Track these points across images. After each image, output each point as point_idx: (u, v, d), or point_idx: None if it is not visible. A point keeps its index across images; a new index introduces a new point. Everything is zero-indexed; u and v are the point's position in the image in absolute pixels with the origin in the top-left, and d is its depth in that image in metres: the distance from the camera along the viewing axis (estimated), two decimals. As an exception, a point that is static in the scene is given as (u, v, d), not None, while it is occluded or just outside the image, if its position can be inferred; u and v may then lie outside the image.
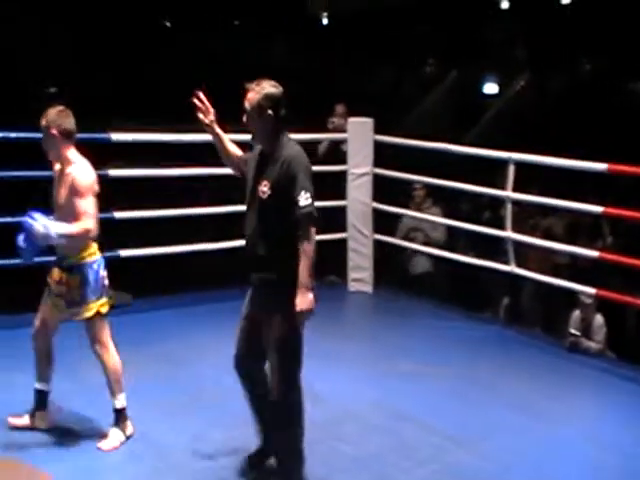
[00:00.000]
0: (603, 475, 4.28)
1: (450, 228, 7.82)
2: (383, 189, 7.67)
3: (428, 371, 5.52)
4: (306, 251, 3.57)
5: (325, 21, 12.53)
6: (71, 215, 4.07)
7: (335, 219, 7.61)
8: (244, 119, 3.74)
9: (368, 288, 7.59)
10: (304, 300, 3.57)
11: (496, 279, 7.55)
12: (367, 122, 7.56)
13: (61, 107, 4.21)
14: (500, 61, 10.64)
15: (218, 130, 4.02)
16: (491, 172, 7.22)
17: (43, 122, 4.15)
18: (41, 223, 3.96)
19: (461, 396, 5.16)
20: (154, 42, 10.58)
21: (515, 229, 6.62)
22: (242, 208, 3.86)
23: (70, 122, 4.18)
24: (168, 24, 12.28)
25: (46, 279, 4.31)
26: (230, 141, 4.07)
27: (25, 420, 4.43)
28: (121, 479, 4.07)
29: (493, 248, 7.19)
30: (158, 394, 4.95)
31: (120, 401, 4.31)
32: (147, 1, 11.29)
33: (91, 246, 4.22)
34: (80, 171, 4.13)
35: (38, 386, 4.40)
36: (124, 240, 6.64)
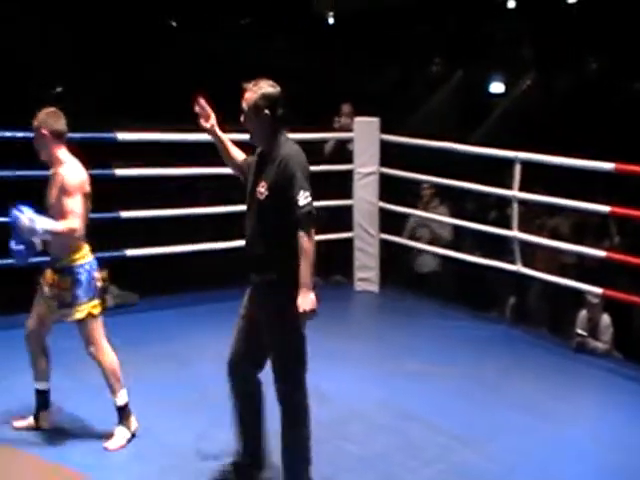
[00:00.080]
0: (609, 475, 4.26)
1: (457, 227, 7.80)
2: (390, 188, 7.66)
3: (434, 371, 5.50)
4: (306, 251, 3.54)
5: (331, 20, 12.52)
6: (60, 214, 4.10)
7: (341, 218, 7.61)
8: (242, 119, 3.72)
9: (374, 287, 7.58)
10: (306, 300, 3.53)
11: (502, 279, 7.53)
12: (373, 121, 7.55)
13: (52, 108, 4.26)
14: (506, 60, 10.61)
15: (220, 134, 4.01)
16: (498, 172, 7.20)
17: (34, 123, 4.21)
18: (27, 216, 4.00)
19: (467, 396, 5.15)
20: (155, 42, 10.58)
21: (522, 229, 6.61)
22: (243, 208, 3.85)
23: (61, 123, 4.22)
24: (174, 23, 12.28)
25: (39, 280, 4.33)
26: (233, 144, 4.06)
27: (29, 421, 4.43)
28: (126, 478, 4.07)
29: (499, 248, 7.18)
30: (162, 393, 4.95)
31: (121, 398, 4.32)
32: (149, 1, 11.30)
33: (82, 248, 4.25)
34: (69, 171, 4.17)
35: (38, 386, 4.41)
36: (127, 240, 6.66)
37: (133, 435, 4.36)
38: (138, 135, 6.73)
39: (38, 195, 4.29)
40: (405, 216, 8.06)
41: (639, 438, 4.68)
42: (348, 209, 7.62)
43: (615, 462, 4.37)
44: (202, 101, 3.95)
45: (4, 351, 5.28)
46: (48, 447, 4.27)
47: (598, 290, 6.09)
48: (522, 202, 6.67)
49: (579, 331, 6.22)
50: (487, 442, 4.53)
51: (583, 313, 6.37)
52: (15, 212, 4.03)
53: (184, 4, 11.73)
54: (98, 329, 4.29)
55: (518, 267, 6.62)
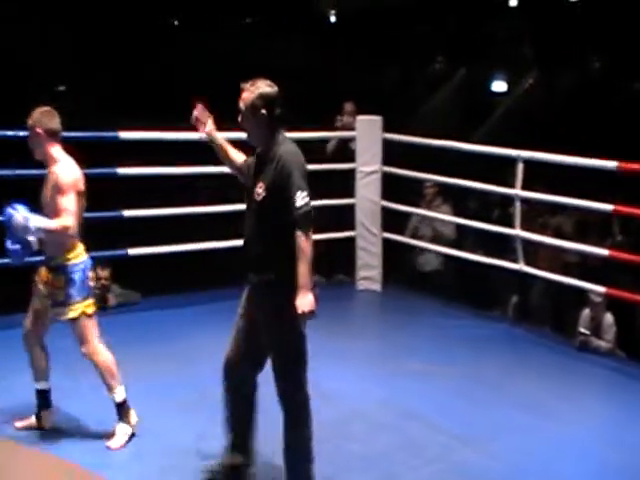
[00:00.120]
0: (612, 474, 4.24)
1: (459, 226, 7.79)
2: (392, 187, 7.65)
3: (436, 370, 5.49)
4: (304, 251, 3.52)
5: (333, 19, 12.51)
6: (54, 212, 4.11)
7: (344, 217, 7.61)
8: (239, 119, 3.71)
9: (377, 286, 7.57)
10: (305, 301, 3.51)
11: (505, 278, 7.52)
12: (376, 120, 7.54)
13: (47, 107, 4.28)
14: (509, 59, 10.60)
15: (218, 138, 4.00)
16: (500, 170, 7.19)
17: (29, 122, 4.23)
18: (21, 214, 4.01)
19: (469, 395, 5.13)
20: (156, 41, 10.57)
21: (524, 227, 6.60)
22: (243, 207, 3.83)
23: (54, 122, 4.23)
24: (175, 22, 12.28)
25: (34, 279, 4.34)
26: (232, 145, 4.05)
27: (31, 421, 4.43)
28: (127, 477, 4.06)
29: (502, 246, 7.16)
30: (163, 393, 4.95)
31: (119, 394, 4.31)
32: (150, 0, 11.31)
33: (77, 247, 4.25)
34: (63, 169, 4.17)
35: (38, 386, 4.41)
36: (129, 239, 6.65)
37: (133, 434, 4.35)
38: (140, 134, 6.72)
39: (33, 194, 4.29)
40: (407, 215, 8.05)
41: (642, 437, 4.67)
42: (350, 208, 7.61)
43: (618, 461, 4.35)
44: (200, 106, 3.95)
45: (3, 351, 5.27)
46: (47, 447, 4.26)
47: (601, 289, 6.08)
48: (525, 201, 6.66)
49: (582, 330, 6.21)
50: (489, 441, 4.52)
51: (586, 312, 6.35)
52: (9, 210, 4.04)
53: (186, 3, 11.74)
54: (91, 328, 4.28)
55: (521, 266, 6.61)
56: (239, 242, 3.85)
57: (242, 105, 3.67)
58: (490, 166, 7.38)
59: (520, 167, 6.43)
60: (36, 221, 4.04)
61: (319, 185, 7.60)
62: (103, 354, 4.30)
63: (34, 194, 4.29)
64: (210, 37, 10.95)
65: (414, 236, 8.02)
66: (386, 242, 7.62)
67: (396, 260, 7.93)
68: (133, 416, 4.37)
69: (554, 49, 10.18)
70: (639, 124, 9.97)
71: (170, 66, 10.37)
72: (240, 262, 3.80)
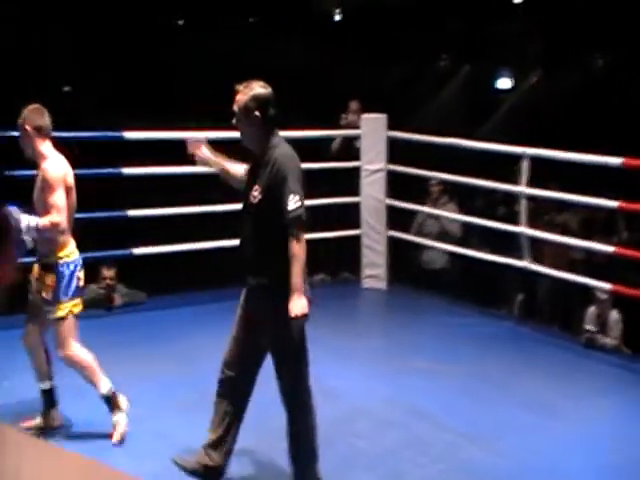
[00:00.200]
0: (618, 472, 4.23)
1: (465, 224, 7.78)
2: (397, 185, 7.64)
3: (441, 368, 5.49)
4: (296, 255, 3.51)
5: (337, 17, 12.50)
6: (43, 209, 4.13)
7: (349, 216, 7.61)
8: (233, 121, 3.70)
9: (382, 285, 7.56)
10: (297, 305, 3.49)
11: (511, 275, 7.51)
12: (380, 118, 7.53)
13: (37, 105, 4.29)
14: (514, 56, 10.59)
15: (215, 161, 3.99)
16: (506, 167, 7.18)
17: (19, 120, 4.25)
18: (14, 216, 4.02)
19: (475, 393, 5.13)
20: (156, 41, 10.58)
21: (530, 225, 6.58)
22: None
23: (44, 119, 4.25)
24: (180, 22, 12.28)
25: (29, 277, 4.35)
26: (230, 162, 4.02)
27: (37, 421, 4.43)
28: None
29: (508, 244, 7.15)
30: (167, 392, 4.95)
31: (104, 387, 4.30)
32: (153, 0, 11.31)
33: (68, 245, 4.26)
34: (51, 165, 4.19)
35: (42, 386, 4.41)
36: (135, 238, 6.66)
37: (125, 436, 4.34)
38: (144, 134, 6.73)
39: (27, 194, 4.30)
40: (412, 213, 8.04)
41: (649, 434, 4.66)
42: (355, 206, 7.61)
43: (625, 458, 4.34)
44: (190, 141, 3.96)
45: (5, 351, 5.26)
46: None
47: (607, 286, 6.06)
48: (530, 198, 6.65)
49: (588, 327, 6.20)
50: (495, 439, 4.51)
51: (592, 309, 6.34)
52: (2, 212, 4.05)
53: (188, 3, 11.74)
54: (73, 330, 4.28)
55: (526, 263, 6.60)
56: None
57: (236, 107, 3.66)
58: (496, 163, 7.37)
59: (526, 164, 6.41)
60: (26, 220, 4.06)
61: (324, 184, 7.68)
62: (81, 355, 4.29)
63: (25, 193, 4.30)
64: (211, 37, 10.96)
65: (420, 233, 8.00)
66: (391, 240, 7.62)
67: (401, 258, 7.92)
68: (123, 402, 4.35)
69: (559, 46, 10.16)
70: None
71: (172, 65, 10.39)
72: (238, 264, 3.80)
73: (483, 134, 8.28)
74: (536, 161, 6.42)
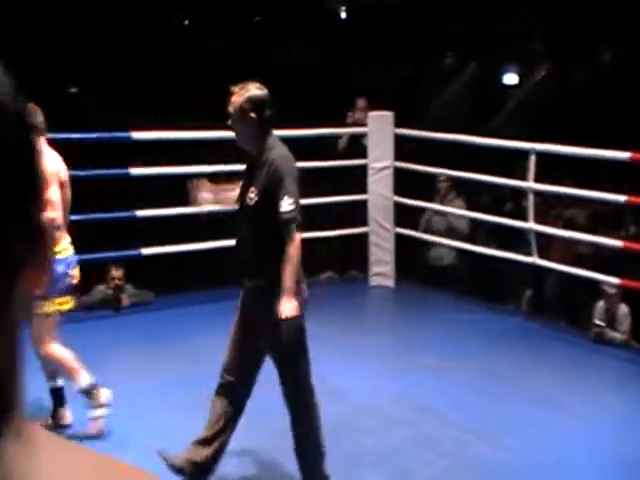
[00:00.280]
0: (626, 468, 4.23)
1: (472, 220, 7.77)
2: (404, 182, 7.64)
3: (449, 365, 5.49)
4: (290, 256, 3.51)
5: (343, 15, 12.49)
6: None
7: (356, 213, 7.61)
8: (229, 122, 3.70)
9: (390, 282, 7.56)
10: (287, 307, 3.49)
11: (518, 271, 7.49)
12: (387, 115, 7.53)
13: (29, 103, 4.28)
14: (520, 51, 10.55)
15: (219, 198, 4.01)
16: (513, 163, 7.16)
17: None
18: None
19: (482, 390, 5.13)
20: (159, 42, 10.59)
21: (537, 220, 6.57)
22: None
23: (37, 118, 4.24)
24: (185, 22, 12.30)
25: None
26: (233, 185, 4.00)
27: (47, 420, 4.45)
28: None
29: (515, 240, 7.14)
30: (175, 391, 4.96)
31: (83, 381, 4.29)
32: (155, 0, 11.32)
33: (61, 242, 4.27)
34: (44, 161, 4.17)
35: (51, 385, 4.42)
36: (143, 238, 6.68)
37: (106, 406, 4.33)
38: (152, 134, 6.75)
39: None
40: (420, 210, 8.03)
41: (657, 429, 4.65)
42: (363, 204, 7.61)
43: (632, 453, 4.33)
44: (190, 185, 3.95)
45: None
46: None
47: (615, 280, 6.05)
48: (537, 193, 6.63)
49: (597, 322, 6.18)
50: (503, 435, 4.52)
51: (600, 304, 6.32)
52: None
53: (191, 3, 11.76)
54: (54, 327, 4.29)
55: (534, 259, 6.59)
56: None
57: (231, 109, 3.66)
58: (503, 159, 7.36)
59: (533, 160, 6.40)
60: None
61: (331, 182, 7.68)
62: (59, 351, 4.29)
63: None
64: (215, 36, 10.98)
65: (428, 230, 7.99)
66: (399, 237, 7.61)
67: (409, 255, 7.92)
68: (103, 394, 4.33)
69: (566, 40, 10.13)
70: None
71: (176, 66, 10.41)
72: (235, 265, 3.81)
73: (489, 130, 8.26)
74: (544, 156, 6.40)
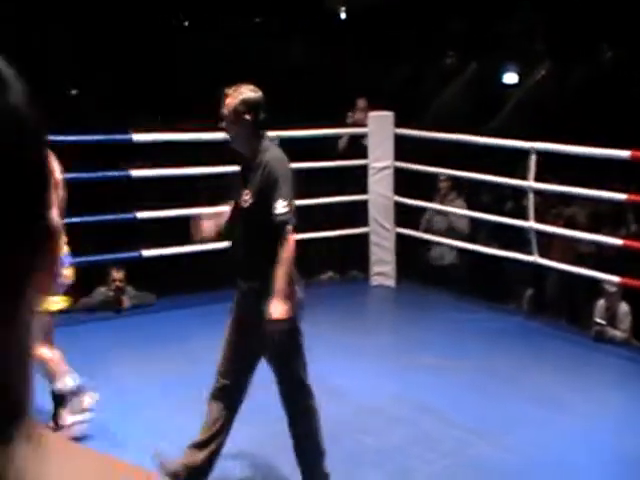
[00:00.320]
0: (627, 467, 4.23)
1: (473, 219, 7.78)
2: (404, 182, 7.64)
3: (449, 364, 5.49)
4: (282, 258, 3.51)
5: (343, 15, 12.50)
6: None
7: (357, 213, 7.61)
8: (223, 125, 3.69)
9: (391, 282, 7.56)
10: (277, 309, 3.49)
11: (519, 270, 7.49)
12: (387, 116, 7.53)
13: None
14: (520, 50, 10.57)
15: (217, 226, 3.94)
16: (513, 163, 7.16)
17: None
18: None
19: (483, 389, 5.13)
20: (159, 42, 10.61)
21: (538, 219, 6.57)
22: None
23: None
24: (185, 23, 12.31)
25: None
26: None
27: (48, 423, 4.45)
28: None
29: (516, 239, 7.14)
30: (175, 392, 4.96)
31: (68, 383, 4.29)
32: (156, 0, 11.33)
33: None
34: None
35: (52, 387, 4.41)
36: (145, 241, 6.69)
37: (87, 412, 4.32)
38: (153, 136, 6.75)
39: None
40: (420, 209, 8.04)
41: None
42: (363, 204, 7.61)
43: (634, 452, 4.33)
44: (193, 222, 3.94)
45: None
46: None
47: (616, 279, 6.05)
48: (538, 192, 6.64)
49: (598, 320, 6.19)
50: (503, 435, 4.51)
51: (601, 302, 6.33)
52: None
53: (191, 3, 11.77)
54: (44, 327, 4.28)
55: (535, 258, 6.59)
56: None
57: (225, 111, 3.64)
58: (503, 159, 7.36)
59: (533, 159, 6.40)
60: None
61: (332, 182, 7.68)
62: (45, 351, 4.27)
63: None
64: (214, 37, 10.99)
65: (428, 230, 8.00)
66: (399, 237, 7.62)
67: (409, 255, 7.92)
68: (88, 399, 4.32)
69: (566, 40, 10.13)
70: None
71: (176, 66, 10.43)
72: (229, 267, 3.81)
73: (490, 130, 8.27)
74: (544, 155, 6.40)
